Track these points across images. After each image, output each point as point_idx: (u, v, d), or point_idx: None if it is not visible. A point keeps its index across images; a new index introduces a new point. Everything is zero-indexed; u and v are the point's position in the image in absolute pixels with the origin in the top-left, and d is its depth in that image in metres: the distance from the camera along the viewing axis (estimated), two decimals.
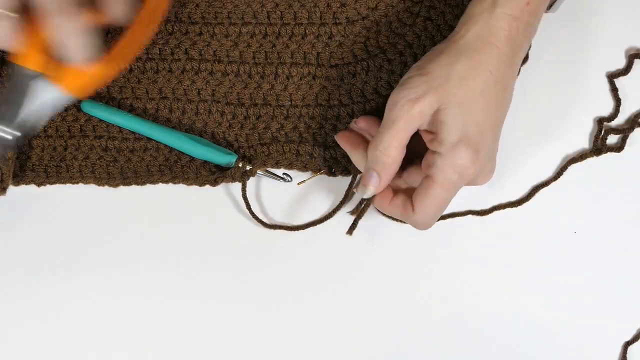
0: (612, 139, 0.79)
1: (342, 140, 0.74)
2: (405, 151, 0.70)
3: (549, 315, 0.76)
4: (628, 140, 0.78)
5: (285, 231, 0.77)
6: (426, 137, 0.70)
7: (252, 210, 0.77)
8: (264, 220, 0.77)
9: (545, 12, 0.74)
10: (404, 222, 0.75)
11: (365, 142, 0.73)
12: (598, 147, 0.78)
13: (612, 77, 0.79)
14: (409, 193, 0.72)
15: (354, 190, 0.76)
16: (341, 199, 0.77)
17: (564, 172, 0.78)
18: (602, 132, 0.78)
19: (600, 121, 0.78)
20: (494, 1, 0.70)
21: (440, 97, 0.68)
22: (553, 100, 0.79)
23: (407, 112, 0.69)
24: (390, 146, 0.69)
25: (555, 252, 0.77)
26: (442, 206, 0.70)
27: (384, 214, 0.76)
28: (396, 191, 0.73)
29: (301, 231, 0.77)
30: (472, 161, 0.68)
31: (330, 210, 0.77)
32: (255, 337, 0.77)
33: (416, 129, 0.70)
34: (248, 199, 0.77)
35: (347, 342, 0.77)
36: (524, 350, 0.76)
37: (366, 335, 0.77)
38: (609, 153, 0.78)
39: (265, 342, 0.77)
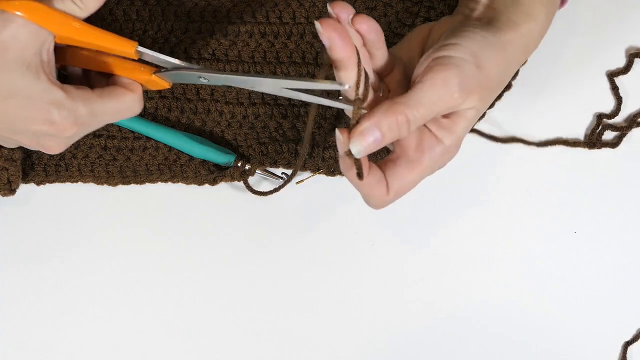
0: (609, 136, 0.78)
1: (328, 32, 0.61)
2: None
3: (549, 315, 0.76)
4: (625, 139, 0.78)
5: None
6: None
7: (252, 188, 0.77)
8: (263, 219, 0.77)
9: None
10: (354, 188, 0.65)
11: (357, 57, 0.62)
12: (592, 140, 0.78)
13: (612, 75, 0.79)
14: (384, 167, 0.64)
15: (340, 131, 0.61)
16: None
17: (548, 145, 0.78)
18: (600, 127, 0.78)
19: (599, 117, 0.78)
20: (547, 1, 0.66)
21: (483, 98, 0.63)
22: (553, 98, 0.79)
23: (453, 100, 0.61)
24: (416, 123, 0.61)
25: (555, 252, 0.77)
26: (412, 189, 0.64)
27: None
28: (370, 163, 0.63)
29: (301, 231, 0.77)
30: (450, 157, 0.65)
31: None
32: (254, 336, 0.76)
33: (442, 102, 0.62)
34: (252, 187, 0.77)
35: (347, 343, 0.77)
36: (524, 350, 0.76)
37: (366, 336, 0.77)
38: (604, 149, 0.78)
39: (265, 340, 0.76)
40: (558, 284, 0.76)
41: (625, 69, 0.79)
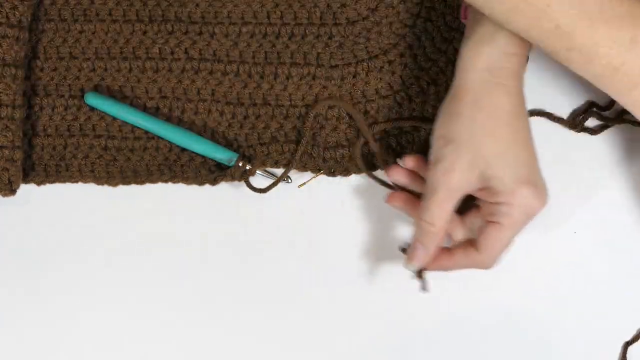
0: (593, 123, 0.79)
1: (395, 202, 0.74)
2: (452, 215, 0.70)
3: (549, 315, 0.76)
4: (608, 132, 0.78)
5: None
6: (480, 194, 0.69)
7: (252, 186, 0.77)
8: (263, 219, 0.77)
9: None
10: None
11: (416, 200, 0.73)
12: (575, 122, 0.78)
13: None
14: (468, 241, 0.72)
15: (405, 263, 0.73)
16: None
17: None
18: (586, 112, 0.78)
19: (591, 104, 0.78)
20: (490, 41, 0.68)
21: (475, 159, 0.67)
22: (554, 95, 0.78)
23: (446, 185, 0.68)
24: (435, 217, 0.69)
25: (555, 252, 0.77)
26: (509, 244, 0.70)
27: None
28: (450, 248, 0.72)
29: (302, 231, 0.77)
30: (535, 196, 0.67)
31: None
32: (254, 336, 0.76)
33: (462, 195, 0.69)
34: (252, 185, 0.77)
35: (347, 343, 0.77)
36: (524, 350, 0.76)
37: (366, 336, 0.77)
38: (583, 135, 0.78)
39: (264, 340, 0.76)
40: (558, 284, 0.76)
41: None
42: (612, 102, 0.79)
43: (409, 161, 0.74)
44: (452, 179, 0.68)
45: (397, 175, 0.75)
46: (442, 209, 0.68)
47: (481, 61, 0.68)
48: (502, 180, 0.67)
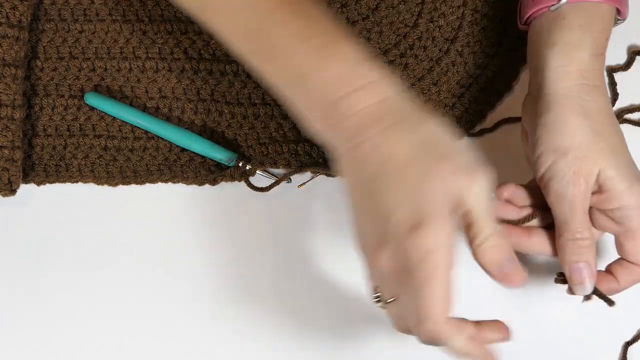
0: None
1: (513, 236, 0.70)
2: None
3: (548, 315, 0.76)
4: None
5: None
6: (596, 200, 0.67)
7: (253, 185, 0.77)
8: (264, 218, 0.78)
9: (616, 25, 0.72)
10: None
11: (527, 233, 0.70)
12: None
13: (612, 71, 0.79)
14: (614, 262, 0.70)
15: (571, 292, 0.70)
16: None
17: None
18: None
19: None
20: (579, 45, 0.67)
21: (592, 164, 0.66)
22: None
23: (579, 195, 0.66)
24: (585, 228, 0.67)
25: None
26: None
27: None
28: (609, 272, 0.70)
29: (302, 232, 0.77)
30: None
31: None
32: (254, 336, 0.76)
33: (589, 199, 0.67)
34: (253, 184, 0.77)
35: (348, 343, 0.77)
36: (524, 351, 0.76)
37: (367, 336, 0.77)
38: None
39: (264, 340, 0.76)
40: (558, 284, 0.76)
41: (626, 66, 0.79)
42: (612, 103, 0.78)
43: (505, 192, 0.70)
44: (581, 187, 0.66)
45: (509, 211, 0.70)
46: (585, 219, 0.67)
47: (574, 66, 0.67)
48: (621, 179, 0.66)
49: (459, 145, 0.61)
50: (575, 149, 0.66)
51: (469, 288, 0.76)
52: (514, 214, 0.70)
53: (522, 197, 0.70)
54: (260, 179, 0.78)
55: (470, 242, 0.62)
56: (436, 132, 0.60)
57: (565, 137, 0.66)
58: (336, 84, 0.60)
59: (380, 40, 0.78)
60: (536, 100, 0.68)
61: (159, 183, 0.78)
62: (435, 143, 0.60)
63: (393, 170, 0.59)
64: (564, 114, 0.66)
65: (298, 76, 0.61)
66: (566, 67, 0.67)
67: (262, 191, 0.77)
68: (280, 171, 0.78)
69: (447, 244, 0.58)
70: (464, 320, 0.62)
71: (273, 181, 0.77)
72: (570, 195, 0.66)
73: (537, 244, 0.70)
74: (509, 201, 0.70)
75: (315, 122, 0.62)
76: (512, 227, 0.69)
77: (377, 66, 0.61)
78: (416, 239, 0.57)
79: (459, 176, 0.59)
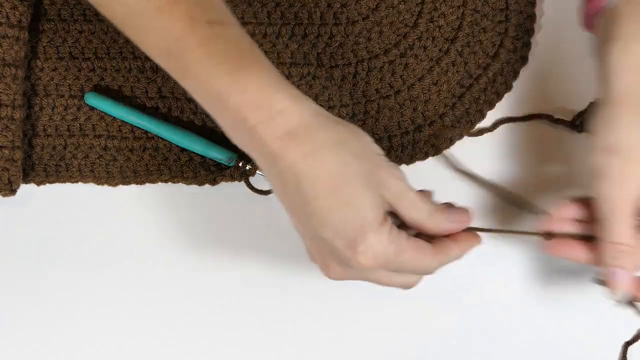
0: None
1: (558, 250, 0.68)
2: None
3: (548, 315, 0.76)
4: None
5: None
6: None
7: (253, 187, 0.77)
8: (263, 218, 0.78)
9: None
10: None
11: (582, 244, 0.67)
12: (576, 123, 0.77)
13: None
14: None
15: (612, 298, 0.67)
16: None
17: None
18: (587, 112, 0.77)
19: (592, 104, 0.77)
20: (637, 38, 0.64)
21: None
22: (554, 92, 0.78)
23: (624, 198, 0.63)
24: (623, 235, 0.64)
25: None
26: None
27: None
28: None
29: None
30: None
31: None
32: (254, 335, 0.77)
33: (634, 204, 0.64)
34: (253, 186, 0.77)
35: (348, 343, 0.77)
36: (524, 350, 0.76)
37: (367, 336, 0.77)
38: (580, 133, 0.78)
39: (264, 340, 0.76)
40: (558, 284, 0.76)
41: None
42: None
43: (567, 211, 0.68)
44: (628, 190, 0.63)
45: (564, 225, 0.68)
46: (627, 224, 0.64)
47: (634, 60, 0.64)
48: None
49: (378, 154, 0.63)
50: (626, 149, 0.63)
51: (469, 288, 0.77)
52: (574, 228, 0.68)
53: (580, 211, 0.68)
54: (260, 179, 0.78)
55: (416, 227, 0.65)
56: (354, 148, 0.62)
57: (616, 135, 0.63)
58: (252, 109, 0.61)
59: (380, 40, 0.78)
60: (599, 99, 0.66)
61: (159, 183, 0.78)
62: (354, 159, 0.62)
63: (320, 198, 0.61)
64: (620, 111, 0.64)
65: (214, 99, 0.62)
66: (626, 62, 0.64)
67: (263, 194, 0.77)
68: None
69: (388, 248, 0.62)
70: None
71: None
72: (612, 196, 0.63)
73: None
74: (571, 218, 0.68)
75: (236, 141, 0.63)
76: (575, 242, 0.68)
77: (291, 89, 0.62)
78: (358, 258, 0.62)
79: (381, 181, 0.62)
